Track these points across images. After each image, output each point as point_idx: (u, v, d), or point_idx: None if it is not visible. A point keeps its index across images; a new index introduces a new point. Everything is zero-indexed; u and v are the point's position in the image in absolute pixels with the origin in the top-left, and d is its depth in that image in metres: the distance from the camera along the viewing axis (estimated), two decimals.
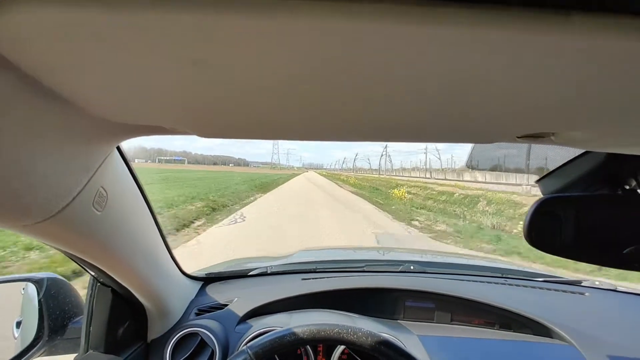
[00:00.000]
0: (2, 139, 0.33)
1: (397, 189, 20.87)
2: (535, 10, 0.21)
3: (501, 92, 0.30)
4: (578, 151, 0.65)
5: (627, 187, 0.61)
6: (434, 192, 18.99)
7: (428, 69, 0.26)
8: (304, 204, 13.93)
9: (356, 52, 0.24)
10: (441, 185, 22.65)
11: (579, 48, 0.23)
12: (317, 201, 15.15)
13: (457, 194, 17.01)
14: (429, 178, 40.33)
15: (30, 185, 0.38)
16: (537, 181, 0.74)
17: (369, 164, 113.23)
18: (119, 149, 0.60)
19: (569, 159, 0.67)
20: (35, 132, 0.36)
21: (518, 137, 0.45)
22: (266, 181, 30.61)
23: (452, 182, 24.57)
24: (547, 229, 0.60)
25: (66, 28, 0.21)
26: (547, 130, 0.42)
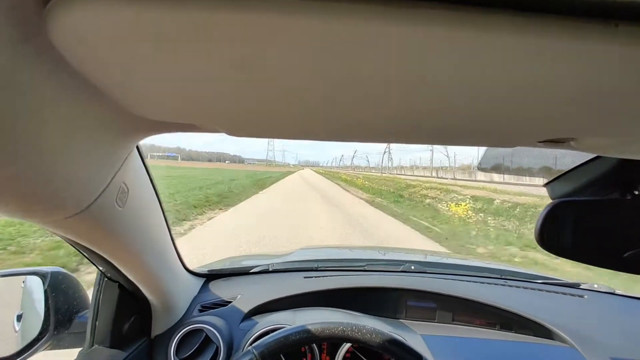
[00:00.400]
0: (47, 134, 0.33)
1: (434, 199, 14.15)
2: (561, 17, 0.22)
3: (525, 97, 0.31)
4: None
5: (637, 192, 0.62)
6: (464, 197, 12.93)
7: (452, 73, 0.27)
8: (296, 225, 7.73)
9: (382, 54, 0.24)
10: (464, 186, 16.97)
11: (604, 55, 0.23)
12: (318, 224, 8.08)
13: (497, 201, 11.75)
14: (436, 177, 36.98)
15: (67, 180, 0.38)
16: (546, 185, 0.75)
17: (367, 161, 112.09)
18: (137, 145, 0.60)
19: (578, 163, 0.68)
20: (76, 128, 0.37)
21: (539, 142, 0.45)
22: (244, 183, 20.86)
23: (479, 184, 19.36)
24: (559, 232, 0.61)
25: (122, 26, 0.22)
26: (569, 136, 0.43)
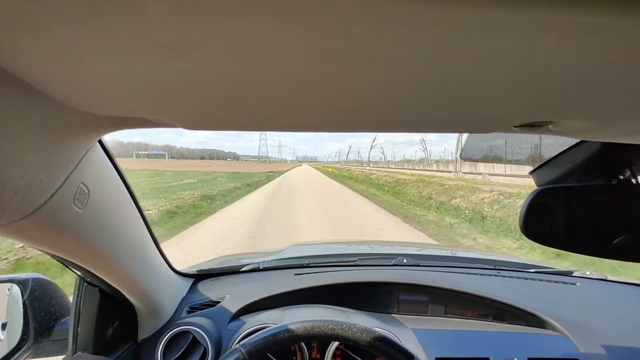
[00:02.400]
0: None
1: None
2: None
3: (499, 79, 0.29)
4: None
5: (622, 177, 0.60)
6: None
7: (421, 54, 0.25)
8: None
9: (348, 37, 0.22)
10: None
11: (579, 33, 0.21)
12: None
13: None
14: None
15: (6, 183, 0.36)
16: (531, 172, 0.74)
17: (360, 156, 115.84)
18: (101, 143, 0.57)
19: (563, 149, 0.67)
20: (10, 127, 0.34)
21: (515, 127, 0.44)
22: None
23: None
24: (543, 220, 0.59)
25: (35, 10, 0.19)
26: (546, 119, 0.41)
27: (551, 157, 0.69)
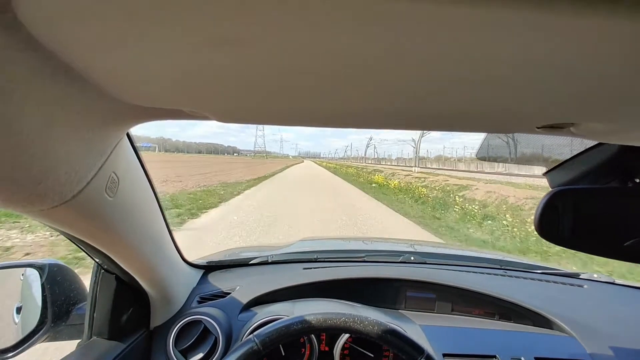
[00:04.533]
0: (23, 121, 0.32)
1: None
2: None
3: (524, 80, 0.30)
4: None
5: (638, 180, 0.61)
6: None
7: (446, 51, 0.25)
8: None
9: (378, 36, 0.23)
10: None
11: (603, 35, 0.22)
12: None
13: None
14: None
15: (49, 169, 0.37)
16: (545, 173, 0.74)
17: (358, 153, 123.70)
18: (128, 134, 0.59)
19: (578, 151, 0.67)
20: (55, 115, 0.35)
21: (537, 128, 0.44)
22: None
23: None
24: (558, 221, 0.60)
25: (88, 2, 0.20)
26: (568, 121, 0.42)
27: (565, 159, 0.70)
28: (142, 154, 0.67)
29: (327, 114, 0.41)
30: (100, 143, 0.45)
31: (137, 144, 0.66)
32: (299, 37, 0.24)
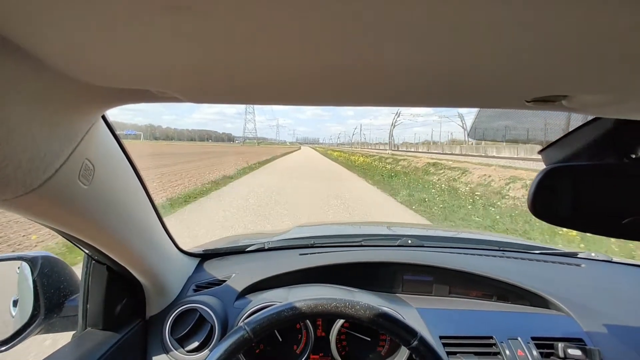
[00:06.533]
0: None
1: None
2: None
3: (511, 50, 0.28)
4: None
5: (634, 156, 0.59)
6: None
7: (427, 22, 0.23)
8: None
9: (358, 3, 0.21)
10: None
11: (596, 2, 0.20)
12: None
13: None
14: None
15: (9, 155, 0.35)
16: (540, 151, 0.72)
17: (350, 139, 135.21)
18: (104, 119, 0.57)
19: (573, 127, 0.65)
20: (14, 99, 0.33)
21: (527, 102, 0.42)
22: None
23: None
24: (552, 199, 0.58)
25: None
26: (559, 93, 0.39)
27: (560, 136, 0.68)
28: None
29: (305, 91, 0.39)
30: (67, 128, 0.43)
31: (120, 132, 0.64)
32: (265, 6, 0.21)
